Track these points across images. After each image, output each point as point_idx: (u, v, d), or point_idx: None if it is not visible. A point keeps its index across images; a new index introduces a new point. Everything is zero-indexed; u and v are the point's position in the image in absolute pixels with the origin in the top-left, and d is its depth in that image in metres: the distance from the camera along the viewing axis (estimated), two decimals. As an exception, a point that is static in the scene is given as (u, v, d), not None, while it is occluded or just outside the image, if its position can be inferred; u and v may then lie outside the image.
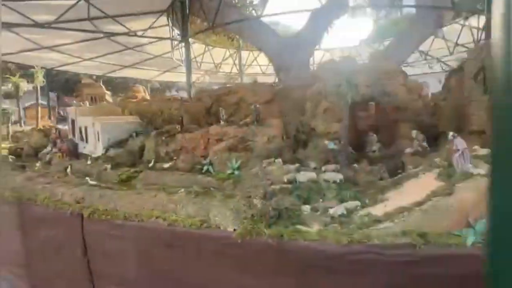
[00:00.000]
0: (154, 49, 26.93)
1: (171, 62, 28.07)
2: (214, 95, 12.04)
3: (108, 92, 24.84)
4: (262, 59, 32.98)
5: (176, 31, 22.25)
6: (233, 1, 22.50)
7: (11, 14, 16.44)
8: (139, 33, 21.00)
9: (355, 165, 7.85)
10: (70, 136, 13.69)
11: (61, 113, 36.44)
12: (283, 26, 31.34)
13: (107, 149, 10.54)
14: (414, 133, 8.48)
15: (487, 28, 17.89)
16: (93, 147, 11.18)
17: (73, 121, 13.44)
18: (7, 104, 18.99)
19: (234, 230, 5.18)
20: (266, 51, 21.29)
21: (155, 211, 5.93)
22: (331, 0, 18.60)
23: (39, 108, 23.35)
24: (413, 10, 24.57)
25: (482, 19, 21.51)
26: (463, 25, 24.13)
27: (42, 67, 24.15)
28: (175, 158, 9.52)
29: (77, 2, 16.04)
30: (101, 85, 24.83)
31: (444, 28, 23.81)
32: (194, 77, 24.69)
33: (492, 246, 2.00)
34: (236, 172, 7.88)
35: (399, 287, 4.48)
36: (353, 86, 6.72)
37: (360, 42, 36.40)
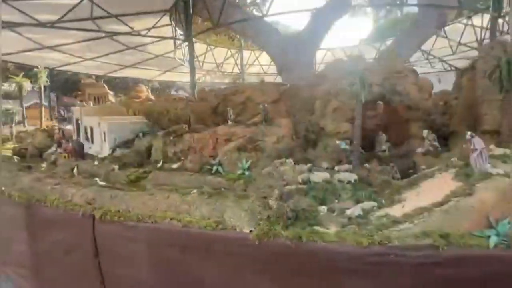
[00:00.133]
0: (156, 48, 26.85)
1: (171, 61, 28.02)
2: (220, 95, 11.95)
3: (111, 92, 24.71)
4: (263, 59, 32.97)
5: (179, 31, 22.17)
6: (236, 0, 22.44)
7: (12, 13, 16.34)
8: (143, 33, 20.90)
9: (366, 165, 7.79)
10: (75, 137, 13.62)
11: (62, 113, 36.34)
12: (283, 26, 31.36)
13: (113, 150, 10.45)
14: (425, 132, 8.42)
15: (492, 26, 17.87)
16: (99, 147, 11.10)
17: (77, 121, 13.36)
18: (10, 104, 18.82)
19: (250, 231, 5.11)
20: (268, 50, 21.27)
21: (169, 212, 5.85)
22: (334, -1, 18.54)
23: (43, 109, 23.20)
24: (414, 9, 24.61)
25: (486, 19, 21.53)
26: (466, 24, 24.10)
27: (45, 67, 24.00)
28: (182, 158, 9.45)
29: (81, 1, 15.93)
30: (104, 85, 24.69)
31: (447, 27, 23.80)
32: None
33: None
34: (247, 173, 7.81)
35: (422, 290, 4.42)
36: (367, 85, 6.64)
37: (359, 42, 36.44)
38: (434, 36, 24.36)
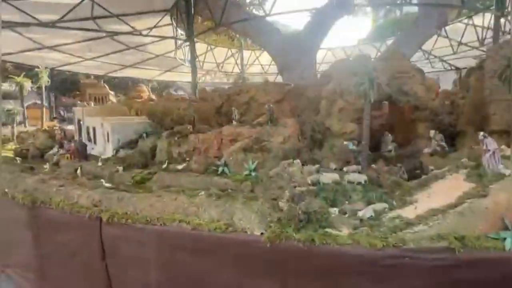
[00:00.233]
0: (156, 48, 26.73)
1: (172, 61, 27.90)
2: (224, 95, 11.87)
3: (112, 92, 24.57)
4: (264, 58, 32.90)
5: (180, 31, 22.07)
6: (237, 0, 22.35)
7: (13, 13, 16.22)
8: (144, 33, 20.79)
9: (373, 165, 7.73)
10: (76, 137, 13.51)
11: (61, 113, 36.18)
12: (282, 25, 31.30)
13: (117, 150, 10.36)
14: (432, 132, 8.38)
15: (495, 26, 17.84)
16: (102, 148, 11.00)
17: (79, 122, 13.26)
18: (11, 105, 18.68)
19: (261, 234, 5.03)
20: (269, 50, 21.18)
21: (177, 214, 5.77)
22: (335, -1, 18.48)
23: (44, 109, 23.07)
24: (414, 9, 24.58)
25: (487, 18, 21.52)
26: (467, 24, 24.07)
27: (46, 67, 23.87)
28: (188, 159, 9.37)
29: (82, 1, 15.82)
30: (104, 85, 24.55)
31: (448, 27, 23.76)
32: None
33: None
34: (253, 174, 7.74)
35: (438, 293, 4.36)
36: (376, 85, 6.58)
37: (358, 42, 36.47)
38: (435, 36, 24.33)
